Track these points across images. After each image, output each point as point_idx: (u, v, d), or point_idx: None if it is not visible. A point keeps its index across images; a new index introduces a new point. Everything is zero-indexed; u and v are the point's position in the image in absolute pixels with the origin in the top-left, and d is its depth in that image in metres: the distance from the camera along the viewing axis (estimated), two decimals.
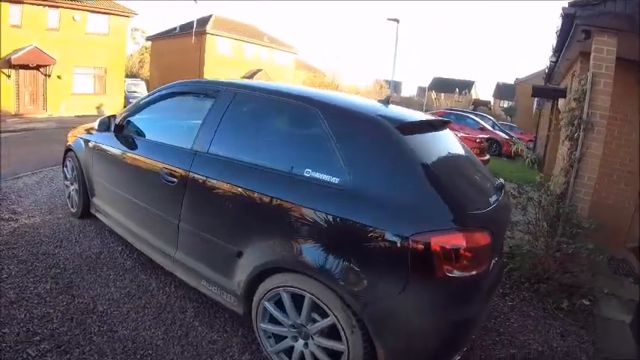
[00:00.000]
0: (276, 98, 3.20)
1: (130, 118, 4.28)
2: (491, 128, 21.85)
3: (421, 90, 60.53)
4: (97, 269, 4.22)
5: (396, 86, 57.71)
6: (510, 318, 4.14)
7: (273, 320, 2.77)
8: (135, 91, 28.73)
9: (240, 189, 2.88)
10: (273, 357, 2.87)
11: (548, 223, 4.83)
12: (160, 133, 4.02)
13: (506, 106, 50.82)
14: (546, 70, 12.07)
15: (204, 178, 3.12)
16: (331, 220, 2.43)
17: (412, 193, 2.36)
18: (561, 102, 10.23)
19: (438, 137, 3.05)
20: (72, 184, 5.19)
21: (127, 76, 28.86)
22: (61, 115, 22.30)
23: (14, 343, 3.00)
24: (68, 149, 5.20)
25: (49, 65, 22.12)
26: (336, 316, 2.41)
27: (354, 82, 54.68)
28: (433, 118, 3.37)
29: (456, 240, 2.22)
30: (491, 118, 25.61)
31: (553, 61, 9.47)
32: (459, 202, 2.40)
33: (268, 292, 2.69)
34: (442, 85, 55.29)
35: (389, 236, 2.25)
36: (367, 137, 2.60)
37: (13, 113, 20.64)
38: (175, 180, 3.31)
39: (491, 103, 52.98)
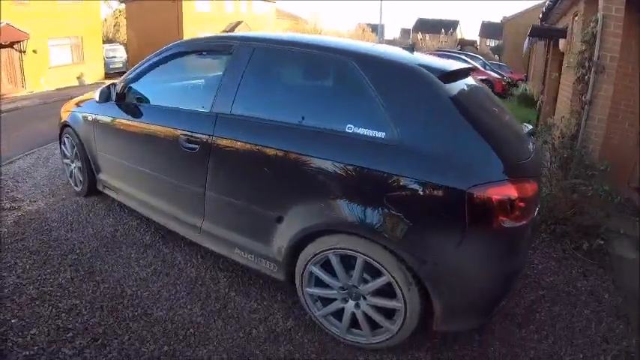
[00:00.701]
0: (303, 51, 3.05)
1: (133, 85, 4.00)
2: (482, 68, 21.45)
3: (404, 32, 60.49)
4: (115, 249, 3.99)
5: (376, 29, 56.67)
6: (534, 260, 4.18)
7: (320, 283, 2.73)
8: (114, 57, 28.44)
9: (274, 150, 2.74)
10: (321, 320, 2.84)
11: (560, 166, 4.92)
12: (170, 98, 3.84)
13: (493, 45, 49.99)
14: (543, 10, 12.02)
15: (231, 141, 2.96)
16: (381, 177, 2.36)
17: (463, 145, 2.30)
18: (562, 42, 10.12)
19: (470, 85, 2.93)
20: (72, 162, 4.96)
21: (103, 42, 28.27)
22: (42, 90, 21.72)
23: (47, 344, 2.78)
24: (64, 125, 4.91)
25: (23, 41, 21.26)
26: (392, 275, 2.38)
27: (336, 28, 53.84)
28: (462, 65, 3.15)
29: (510, 191, 2.21)
30: (481, 57, 25.21)
31: (552, 1, 9.45)
32: (508, 153, 2.37)
33: (315, 255, 2.62)
34: (427, 26, 54.71)
35: (445, 190, 2.23)
36: (411, 89, 2.50)
37: None
38: (197, 146, 3.14)
39: (478, 43, 52.39)
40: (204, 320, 3.04)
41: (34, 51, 21.94)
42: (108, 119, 4.14)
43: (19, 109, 15.82)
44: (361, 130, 2.45)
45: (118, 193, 4.37)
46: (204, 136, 3.09)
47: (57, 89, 21.69)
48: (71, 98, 13.35)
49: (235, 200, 3.05)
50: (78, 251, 3.94)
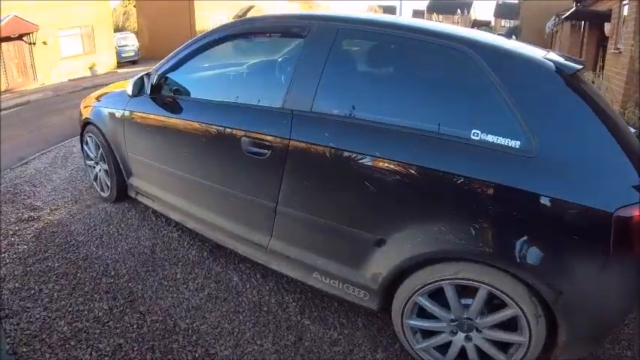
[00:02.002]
0: (405, 35, 2.56)
1: (171, 75, 3.49)
2: None
3: (417, 13, 59.85)
4: (157, 268, 3.44)
5: (389, 11, 57.14)
6: None
7: (424, 314, 2.45)
8: (125, 45, 28.25)
9: (377, 160, 2.35)
10: (421, 354, 2.55)
11: None
12: (222, 91, 3.36)
13: (509, 25, 49.02)
14: None
15: (316, 147, 2.52)
16: (515, 194, 2.07)
17: (606, 160, 2.06)
18: (607, 26, 9.98)
19: (585, 83, 2.57)
20: (97, 164, 4.49)
21: (114, 31, 28.27)
22: (53, 82, 21.70)
23: None
24: (87, 123, 4.42)
25: (32, 32, 21.19)
26: (520, 307, 2.14)
27: (346, 10, 53.67)
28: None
29: None
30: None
31: None
32: None
33: (425, 286, 2.32)
34: (440, 7, 55.19)
35: (588, 212, 1.96)
36: (550, 90, 2.18)
37: (4, 89, 20.10)
38: (267, 151, 2.71)
39: (492, 24, 51.53)
40: (280, 358, 2.59)
41: (45, 42, 21.89)
42: (141, 116, 3.65)
43: (30, 102, 15.56)
44: (490, 138, 2.12)
45: (156, 201, 3.85)
46: (277, 139, 2.65)
47: (69, 80, 21.72)
48: (84, 89, 13.13)
49: (318, 218, 2.65)
50: (113, 273, 3.38)
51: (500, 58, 2.26)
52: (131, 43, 28.92)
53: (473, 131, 2.15)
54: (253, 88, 3.27)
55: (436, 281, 2.28)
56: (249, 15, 31.85)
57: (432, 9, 53.57)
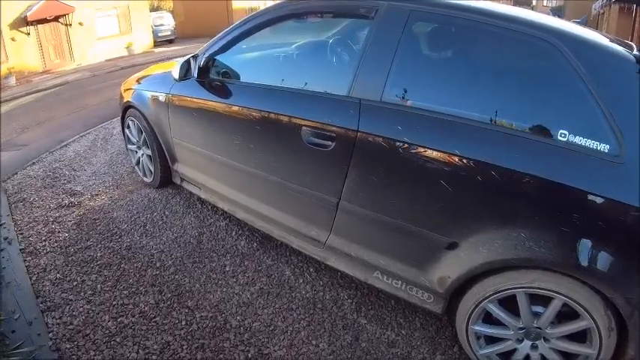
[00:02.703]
0: (484, 21, 2.30)
1: (220, 58, 3.28)
2: None
3: None
4: (204, 260, 3.28)
5: None
6: None
7: (490, 320, 2.36)
8: (162, 24, 28.38)
9: (457, 159, 2.17)
10: None
11: None
12: (277, 75, 3.15)
13: (552, 5, 47.17)
14: None
15: (388, 141, 2.33)
16: (601, 203, 1.93)
17: None
18: None
19: None
20: (140, 148, 4.37)
21: (150, 10, 28.48)
22: (90, 62, 22.04)
23: None
24: (128, 106, 4.28)
25: (68, 14, 21.60)
26: (594, 320, 2.05)
27: None
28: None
29: None
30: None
31: None
32: None
33: (497, 292, 2.22)
34: None
35: None
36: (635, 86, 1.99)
37: (41, 70, 20.67)
38: (331, 143, 2.52)
39: (534, 2, 49.64)
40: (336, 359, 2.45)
41: (80, 23, 22.22)
42: (188, 100, 3.47)
43: (69, 83, 15.73)
44: (578, 140, 1.97)
45: (203, 189, 3.70)
46: (343, 130, 2.46)
47: (106, 60, 22.00)
48: (121, 69, 13.16)
49: (385, 217, 2.48)
50: (158, 264, 3.24)
51: (589, 51, 2.09)
52: (167, 23, 29.02)
53: (560, 132, 2.00)
54: (312, 73, 3.06)
55: (510, 289, 2.18)
56: None
57: None
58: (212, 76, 3.28)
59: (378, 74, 2.41)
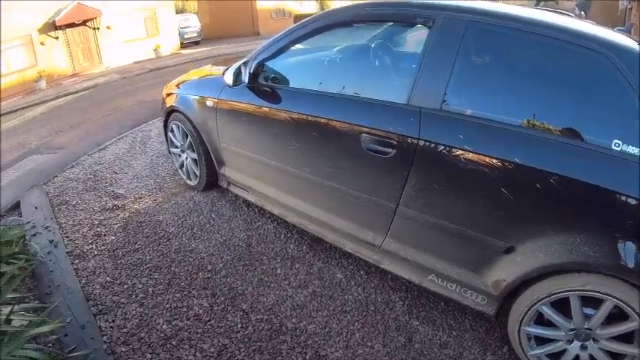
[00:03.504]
0: (541, 32, 2.36)
1: (270, 64, 3.34)
2: None
3: None
4: (255, 263, 3.31)
5: None
6: None
7: (542, 321, 2.42)
8: (187, 26, 29.04)
9: (517, 167, 2.24)
10: None
11: None
12: (330, 81, 3.21)
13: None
14: None
15: (448, 149, 2.40)
16: None
17: None
18: None
19: None
20: (184, 152, 4.43)
21: (175, 12, 29.13)
22: (118, 65, 22.62)
23: None
24: (172, 110, 4.35)
25: (95, 18, 22.36)
26: None
27: None
28: None
29: None
30: (572, 15, 23.19)
31: None
32: None
33: (550, 295, 2.29)
34: None
35: None
36: None
37: (70, 74, 21.44)
38: (391, 150, 2.58)
39: None
40: None
41: (108, 27, 22.94)
42: (238, 106, 3.52)
43: (98, 85, 16.02)
44: (631, 149, 2.05)
45: (252, 193, 3.75)
46: (403, 138, 2.53)
47: (134, 62, 22.52)
48: (150, 71, 13.35)
49: (444, 222, 2.55)
50: (209, 267, 3.27)
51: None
52: (193, 24, 29.57)
53: (614, 141, 2.06)
54: (368, 80, 3.11)
55: (563, 291, 2.25)
56: None
57: None
58: (262, 82, 3.33)
59: (437, 83, 2.47)
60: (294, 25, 3.21)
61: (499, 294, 2.45)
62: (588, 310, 2.23)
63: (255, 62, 3.29)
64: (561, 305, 2.28)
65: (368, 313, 2.81)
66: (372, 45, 3.38)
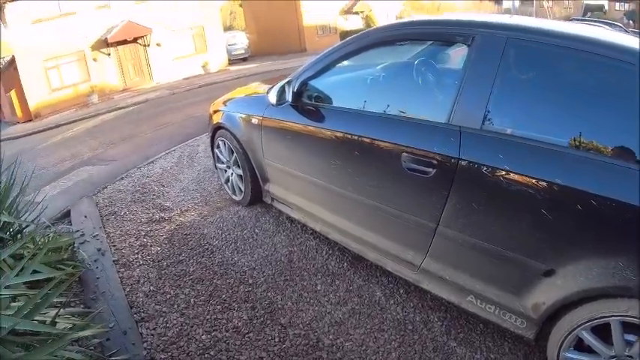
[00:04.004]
0: (584, 48, 2.31)
1: (313, 83, 3.39)
2: None
3: None
4: (295, 278, 3.35)
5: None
6: None
7: (582, 347, 2.34)
8: (235, 43, 29.85)
9: (558, 188, 2.21)
10: None
11: None
12: (371, 100, 3.22)
13: (625, 9, 45.21)
14: None
15: (490, 170, 2.37)
16: None
17: None
18: None
19: None
20: (230, 167, 4.55)
21: (223, 30, 29.86)
22: (168, 80, 23.46)
23: None
24: (218, 127, 4.47)
25: (146, 35, 23.52)
26: None
27: (451, 1, 53.04)
28: None
29: None
30: (621, 25, 22.62)
31: None
32: None
33: (591, 320, 2.22)
34: None
35: None
36: None
37: (122, 89, 22.56)
38: (431, 170, 2.57)
39: (606, 7, 47.86)
40: None
41: (158, 44, 24.07)
42: (282, 124, 3.60)
43: (148, 100, 16.48)
44: None
45: (295, 210, 3.81)
46: (444, 157, 2.51)
47: (184, 79, 23.29)
48: (199, 87, 13.73)
49: (484, 243, 2.50)
50: (250, 281, 3.34)
51: None
52: (240, 41, 30.38)
53: None
54: (407, 99, 3.13)
55: (604, 317, 2.17)
56: (356, 9, 32.50)
57: None
58: (306, 101, 3.40)
59: (477, 102, 2.46)
60: (336, 45, 3.28)
61: (538, 317, 2.40)
62: (630, 337, 2.14)
63: (299, 82, 3.37)
64: (602, 331, 2.20)
65: (405, 332, 2.80)
66: (414, 63, 3.39)
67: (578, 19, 23.22)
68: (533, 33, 2.47)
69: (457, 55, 2.72)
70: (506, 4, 46.80)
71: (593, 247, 2.19)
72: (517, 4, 48.69)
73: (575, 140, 2.21)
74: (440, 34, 2.92)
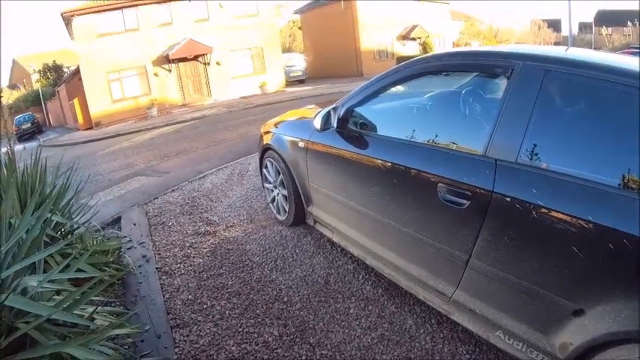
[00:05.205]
0: (623, 82, 2.22)
1: (358, 109, 3.47)
2: None
3: (583, 26, 55.64)
4: (330, 300, 3.41)
5: (554, 24, 54.60)
6: None
7: None
8: (293, 65, 30.45)
9: (590, 226, 2.13)
10: None
11: None
12: (412, 129, 3.22)
13: None
14: None
15: (523, 204, 2.34)
16: None
17: None
18: None
19: None
20: (276, 187, 4.70)
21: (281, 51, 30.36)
22: (225, 98, 24.27)
23: None
24: (267, 148, 4.64)
25: (207, 54, 24.44)
26: None
27: (508, 25, 52.16)
28: None
29: None
30: None
31: None
32: None
33: None
34: (608, 18, 50.71)
35: None
36: None
37: (181, 104, 23.36)
38: (465, 202, 2.57)
39: None
40: None
41: (218, 63, 24.96)
42: (326, 148, 3.69)
43: (205, 117, 16.92)
44: None
45: (335, 233, 3.88)
46: (478, 189, 2.50)
47: (241, 97, 24.03)
48: (256, 107, 14.00)
49: (514, 277, 2.48)
50: (285, 299, 3.43)
51: None
52: (298, 63, 30.98)
53: None
54: (446, 129, 3.14)
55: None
56: (414, 34, 32.51)
57: (600, 21, 49.47)
58: (350, 127, 3.48)
59: (514, 135, 2.45)
60: (381, 74, 3.35)
61: (565, 358, 2.34)
62: None
63: (344, 108, 3.47)
64: None
65: None
66: (460, 93, 3.39)
67: (636, 48, 22.52)
68: (575, 65, 2.41)
69: (501, 88, 2.73)
70: (565, 31, 46.03)
71: (624, 289, 2.12)
72: (575, 31, 47.49)
73: (606, 176, 2.15)
74: (480, 66, 2.95)
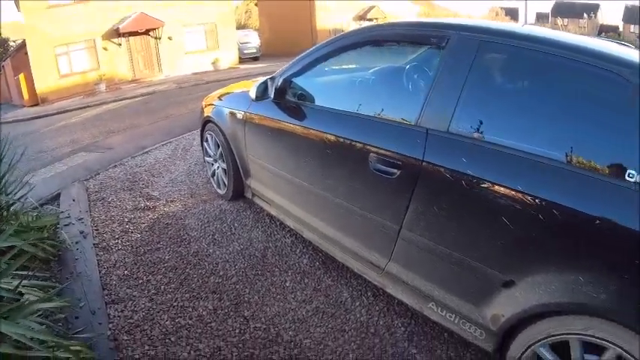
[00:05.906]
0: (556, 52, 2.22)
1: (295, 80, 3.43)
2: None
3: (541, 16, 57.26)
4: (266, 273, 3.40)
5: (512, 13, 55.81)
6: None
7: None
8: (247, 42, 29.90)
9: (520, 195, 2.11)
10: None
11: None
12: (347, 99, 3.23)
13: (638, 32, 45.30)
14: None
15: (453, 173, 2.31)
16: None
17: None
18: None
19: None
20: (216, 161, 4.64)
21: (236, 28, 29.79)
22: (177, 74, 23.69)
23: None
24: (207, 121, 4.58)
25: (158, 28, 23.71)
26: None
27: (468, 11, 53.08)
28: None
29: None
30: (633, 46, 22.38)
31: None
32: None
33: (549, 337, 2.14)
34: (565, 10, 52.30)
35: None
36: None
37: (130, 79, 22.77)
38: (395, 171, 2.54)
39: (621, 29, 47.86)
40: None
41: (170, 38, 24.26)
42: (263, 119, 3.67)
43: (155, 92, 16.61)
44: None
45: (272, 205, 3.86)
46: (408, 159, 2.47)
47: (193, 73, 23.47)
48: (206, 83, 13.79)
49: (444, 249, 2.45)
50: (222, 273, 3.40)
51: None
52: (253, 40, 30.43)
53: (628, 172, 1.89)
54: (381, 100, 3.11)
55: (563, 334, 2.09)
56: (370, 15, 32.51)
57: (557, 12, 50.84)
58: (288, 98, 3.43)
59: (446, 104, 2.40)
60: (318, 44, 3.32)
61: (498, 329, 2.31)
62: (591, 357, 2.04)
63: (282, 78, 3.42)
64: (561, 348, 2.11)
65: (367, 335, 2.81)
66: (399, 70, 3.36)
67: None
68: (509, 36, 2.39)
69: (430, 61, 2.72)
70: (521, 20, 46.64)
71: (555, 260, 2.10)
72: (533, 20, 48.35)
73: (542, 148, 2.12)
74: (416, 36, 2.91)
